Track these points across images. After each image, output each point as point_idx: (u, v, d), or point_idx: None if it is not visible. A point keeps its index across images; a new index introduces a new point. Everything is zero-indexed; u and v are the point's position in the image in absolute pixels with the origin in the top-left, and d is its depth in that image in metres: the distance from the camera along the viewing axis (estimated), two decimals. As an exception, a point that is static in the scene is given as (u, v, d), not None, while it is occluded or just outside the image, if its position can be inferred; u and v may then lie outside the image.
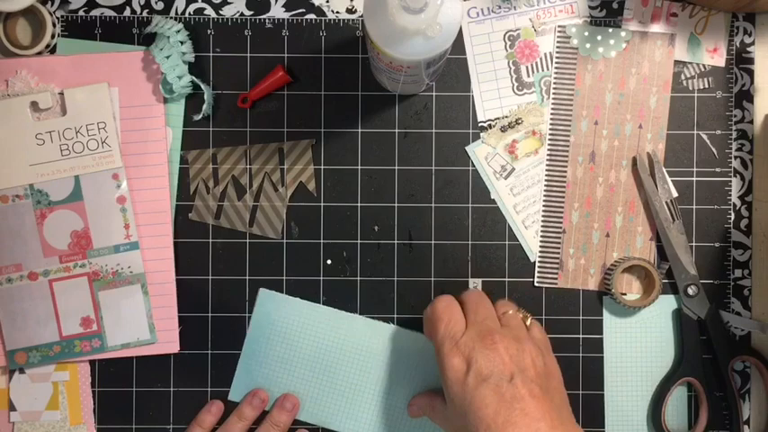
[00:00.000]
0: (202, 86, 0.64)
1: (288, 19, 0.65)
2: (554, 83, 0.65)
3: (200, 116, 0.64)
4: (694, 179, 0.66)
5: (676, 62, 0.65)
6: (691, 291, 0.64)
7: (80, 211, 0.64)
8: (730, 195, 0.66)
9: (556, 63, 0.65)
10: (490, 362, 0.53)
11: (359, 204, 0.65)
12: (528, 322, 0.58)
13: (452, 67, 0.65)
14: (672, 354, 0.65)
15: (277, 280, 0.65)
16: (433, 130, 0.66)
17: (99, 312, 0.64)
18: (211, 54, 0.65)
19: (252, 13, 0.65)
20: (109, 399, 0.65)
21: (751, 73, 0.66)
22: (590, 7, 0.65)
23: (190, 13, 0.65)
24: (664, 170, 0.65)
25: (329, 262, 0.65)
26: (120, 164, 0.64)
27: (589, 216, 0.65)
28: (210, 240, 0.65)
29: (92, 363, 0.65)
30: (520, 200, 0.65)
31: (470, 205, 0.65)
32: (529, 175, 0.65)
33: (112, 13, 0.65)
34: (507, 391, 0.51)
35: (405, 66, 0.54)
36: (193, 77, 0.64)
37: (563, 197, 0.65)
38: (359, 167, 0.66)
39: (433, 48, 0.51)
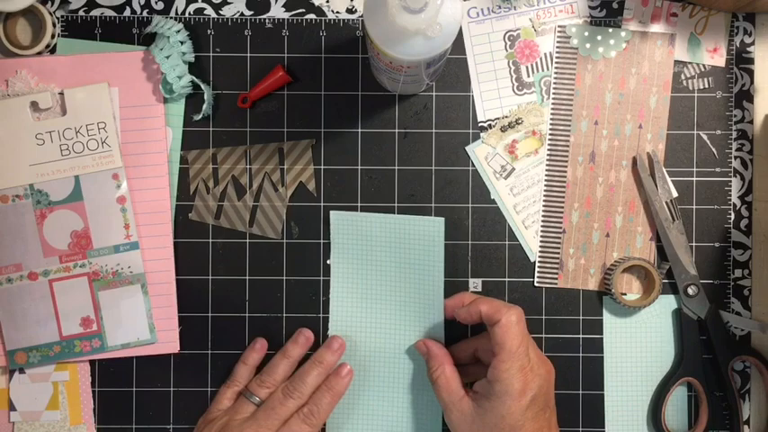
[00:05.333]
0: (202, 86, 0.64)
1: (288, 19, 0.65)
2: (554, 83, 0.65)
3: (201, 116, 0.64)
4: (694, 179, 0.66)
5: (676, 62, 0.65)
6: (691, 291, 0.64)
7: (80, 211, 0.64)
8: (730, 195, 0.66)
9: (556, 63, 0.65)
10: (546, 393, 0.57)
11: (359, 204, 0.65)
12: None
13: (452, 67, 0.65)
14: (672, 354, 0.65)
15: (277, 280, 0.65)
16: (433, 130, 0.66)
17: (99, 312, 0.64)
18: (211, 54, 0.65)
19: (252, 13, 0.65)
20: (109, 399, 0.65)
21: (751, 73, 0.66)
22: (590, 7, 0.65)
23: (190, 13, 0.65)
24: (664, 170, 0.65)
25: (329, 262, 0.65)
26: (120, 164, 0.64)
27: (589, 216, 0.65)
28: (210, 240, 0.65)
29: (92, 363, 0.65)
30: (520, 200, 0.65)
31: (470, 205, 0.65)
32: (529, 175, 0.65)
33: (112, 13, 0.65)
34: (546, 419, 0.57)
35: (405, 66, 0.54)
36: (193, 77, 0.64)
37: (563, 197, 0.65)
38: (359, 167, 0.66)
39: (433, 48, 0.51)
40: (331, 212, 0.65)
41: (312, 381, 0.61)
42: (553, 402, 0.58)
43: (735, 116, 0.66)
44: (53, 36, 0.64)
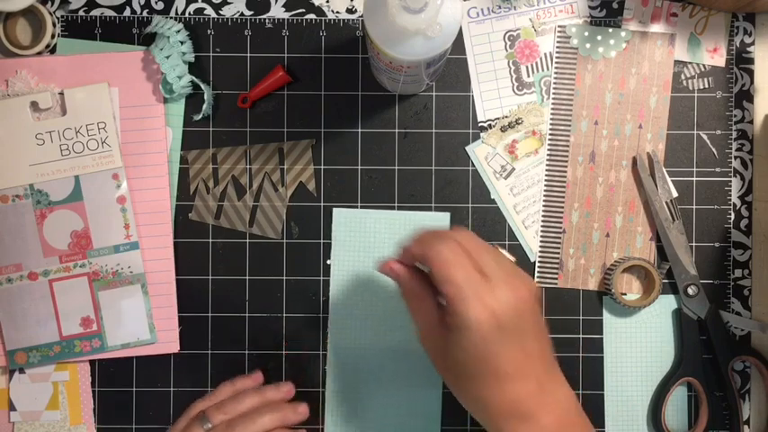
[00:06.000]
0: (202, 86, 0.64)
1: (288, 19, 0.65)
2: (554, 83, 0.65)
3: (201, 116, 0.64)
4: (694, 179, 0.66)
5: (676, 62, 0.65)
6: (691, 291, 0.64)
7: (80, 211, 0.64)
8: (730, 195, 0.66)
9: (556, 63, 0.65)
10: (516, 317, 0.49)
11: (359, 204, 0.65)
12: (512, 259, 0.55)
13: (452, 67, 0.65)
14: (672, 354, 0.65)
15: (277, 280, 0.65)
16: (433, 130, 0.66)
17: (99, 312, 0.64)
18: (211, 54, 0.65)
19: (252, 13, 0.65)
20: (109, 399, 0.65)
21: (751, 73, 0.66)
22: (590, 7, 0.65)
23: (190, 13, 0.65)
24: (664, 170, 0.65)
25: (329, 262, 0.65)
26: (120, 164, 0.64)
27: (589, 216, 0.65)
28: (210, 240, 0.65)
29: (92, 363, 0.65)
30: (520, 200, 0.65)
31: (470, 205, 0.65)
32: (529, 175, 0.65)
33: (112, 13, 0.65)
34: (525, 346, 0.50)
35: (405, 66, 0.54)
36: (193, 77, 0.64)
37: (563, 197, 0.65)
38: (359, 167, 0.66)
39: (433, 48, 0.51)
40: (334, 210, 0.65)
41: (268, 420, 0.59)
42: (537, 328, 0.51)
43: (735, 116, 0.66)
44: (53, 36, 0.64)
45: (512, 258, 0.55)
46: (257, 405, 0.60)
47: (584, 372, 0.65)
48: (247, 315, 0.65)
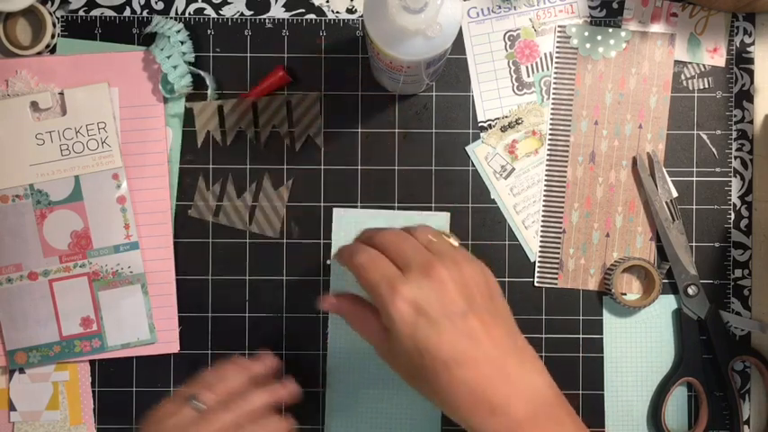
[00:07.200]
0: (203, 74, 0.63)
1: (288, 19, 0.65)
2: (554, 83, 0.65)
3: (209, 101, 0.64)
4: (694, 179, 0.66)
5: (676, 62, 0.65)
6: (691, 291, 0.64)
7: (80, 211, 0.64)
8: (730, 195, 0.66)
9: (556, 63, 0.65)
10: (439, 301, 0.48)
11: (359, 204, 0.65)
12: (455, 243, 0.53)
13: (452, 67, 0.65)
14: (672, 354, 0.65)
15: (277, 280, 0.65)
16: (433, 130, 0.66)
17: (99, 312, 0.64)
18: (211, 54, 0.65)
19: (252, 13, 0.65)
20: (109, 399, 0.65)
21: (751, 73, 0.66)
22: (590, 7, 0.65)
23: (190, 13, 0.65)
24: (664, 170, 0.65)
25: (329, 262, 0.65)
26: (120, 164, 0.64)
27: (589, 216, 0.65)
28: (210, 240, 0.65)
29: (92, 363, 0.65)
30: (520, 200, 0.65)
31: (470, 205, 0.65)
32: (529, 175, 0.65)
33: (112, 13, 0.65)
34: (463, 328, 0.48)
35: (405, 66, 0.54)
36: (192, 68, 0.63)
37: (563, 197, 0.65)
38: (359, 167, 0.66)
39: (433, 48, 0.51)
40: (334, 210, 0.65)
41: (258, 400, 0.57)
42: (484, 309, 0.49)
43: (735, 116, 0.66)
44: (53, 36, 0.64)
45: (455, 243, 0.53)
46: (245, 383, 0.58)
47: (584, 372, 0.65)
48: (247, 315, 0.65)
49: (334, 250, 0.65)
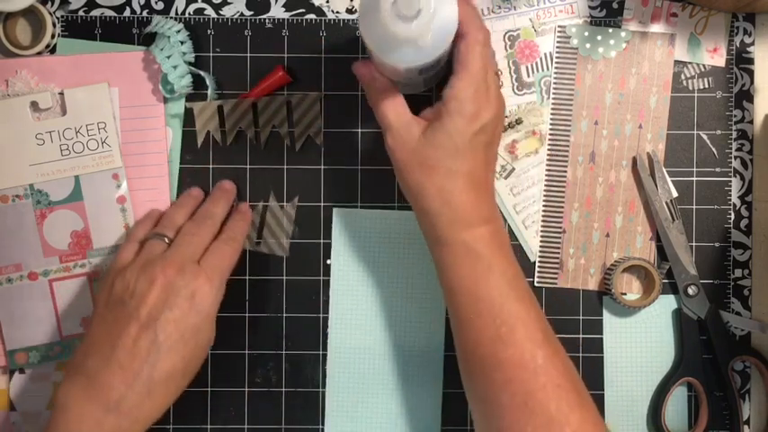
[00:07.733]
0: (203, 74, 0.63)
1: (288, 19, 0.65)
2: (554, 83, 0.65)
3: (208, 101, 0.64)
4: (694, 179, 0.66)
5: (676, 62, 0.65)
6: (691, 291, 0.64)
7: (80, 211, 0.64)
8: (730, 195, 0.66)
9: (556, 63, 0.65)
10: (495, 132, 0.56)
11: (359, 204, 0.65)
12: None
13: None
14: (672, 354, 0.65)
15: (277, 280, 0.65)
16: (433, 130, 0.65)
17: (99, 312, 0.64)
18: (211, 54, 0.65)
19: (252, 13, 0.65)
20: (109, 399, 0.65)
21: (751, 73, 0.66)
22: (590, 7, 0.65)
23: (190, 13, 0.65)
24: (664, 170, 0.65)
25: (329, 262, 0.65)
26: (120, 164, 0.64)
27: (589, 216, 0.65)
28: (210, 240, 0.65)
29: (92, 363, 0.65)
30: (520, 200, 0.65)
31: (470, 205, 0.65)
32: (529, 175, 0.65)
33: (112, 13, 0.65)
34: (492, 164, 0.58)
35: (399, 70, 0.54)
36: (192, 68, 0.63)
37: (563, 197, 0.65)
38: (359, 167, 0.66)
39: (425, 56, 0.51)
40: (334, 210, 0.65)
41: (221, 210, 0.61)
42: (497, 144, 0.58)
43: (735, 116, 0.66)
44: (53, 36, 0.64)
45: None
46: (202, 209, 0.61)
47: (584, 372, 0.65)
48: (247, 315, 0.65)
49: (334, 250, 0.65)
